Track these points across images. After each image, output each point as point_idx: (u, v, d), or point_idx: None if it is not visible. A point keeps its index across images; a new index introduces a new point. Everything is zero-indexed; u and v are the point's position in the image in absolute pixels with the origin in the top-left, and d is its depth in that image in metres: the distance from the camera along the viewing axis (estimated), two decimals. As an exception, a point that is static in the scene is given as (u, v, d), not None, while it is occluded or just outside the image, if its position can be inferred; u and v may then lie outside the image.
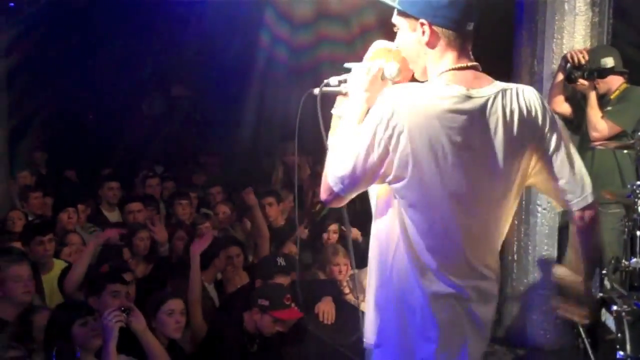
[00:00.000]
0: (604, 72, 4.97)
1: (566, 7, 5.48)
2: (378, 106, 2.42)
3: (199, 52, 9.59)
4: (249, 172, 8.69)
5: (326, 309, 4.84)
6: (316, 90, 2.69)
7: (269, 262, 5.18)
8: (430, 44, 2.49)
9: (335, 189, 2.47)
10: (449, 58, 2.49)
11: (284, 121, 7.61)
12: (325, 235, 6.19)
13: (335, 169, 2.47)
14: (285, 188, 7.75)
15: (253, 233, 6.39)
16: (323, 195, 2.54)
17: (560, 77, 5.17)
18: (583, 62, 5.00)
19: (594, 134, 4.91)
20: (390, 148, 2.38)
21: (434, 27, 2.46)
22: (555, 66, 5.49)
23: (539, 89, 5.53)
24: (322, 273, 5.57)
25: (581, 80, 4.97)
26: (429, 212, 2.44)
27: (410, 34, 2.51)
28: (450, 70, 2.48)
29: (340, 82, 2.70)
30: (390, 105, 2.38)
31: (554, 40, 5.57)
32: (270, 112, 8.74)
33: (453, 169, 2.39)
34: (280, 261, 5.07)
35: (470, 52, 2.53)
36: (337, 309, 4.90)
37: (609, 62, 4.97)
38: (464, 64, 2.49)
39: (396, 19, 2.56)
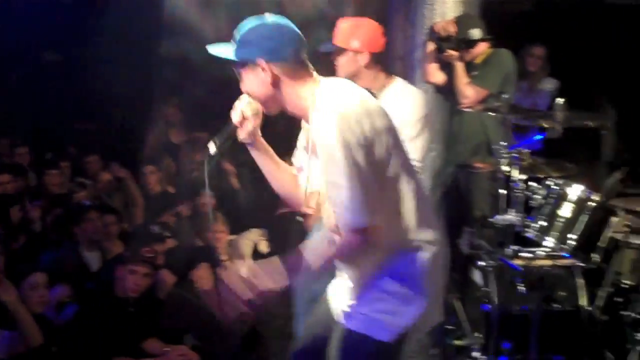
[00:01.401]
0: (472, 43, 5.10)
1: (438, -27, 5.58)
2: (336, 132, 2.44)
3: (74, 13, 9.21)
4: (129, 137, 8.45)
5: (203, 275, 4.83)
6: (211, 149, 2.72)
7: (143, 230, 5.13)
8: (274, 82, 2.62)
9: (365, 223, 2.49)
10: (306, 82, 2.65)
11: (164, 80, 7.41)
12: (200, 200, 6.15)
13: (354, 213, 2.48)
14: (165, 149, 7.60)
15: (128, 201, 6.30)
16: (364, 241, 2.53)
17: (431, 46, 5.26)
18: (452, 33, 5.11)
19: (463, 100, 5.06)
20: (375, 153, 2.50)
21: (273, 65, 2.60)
22: (427, 31, 5.60)
23: (412, 54, 5.68)
24: (199, 239, 5.55)
25: (449, 51, 5.09)
26: None
27: (253, 78, 2.63)
28: (315, 84, 2.65)
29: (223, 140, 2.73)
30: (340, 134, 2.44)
31: (427, 6, 5.66)
32: (149, 73, 8.42)
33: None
34: (155, 229, 5.03)
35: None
36: (214, 275, 4.89)
37: (476, 33, 5.10)
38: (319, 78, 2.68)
39: (238, 69, 2.67)
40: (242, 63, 2.64)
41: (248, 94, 2.70)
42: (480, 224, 4.61)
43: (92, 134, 9.43)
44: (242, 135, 2.74)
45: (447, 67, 5.24)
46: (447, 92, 5.38)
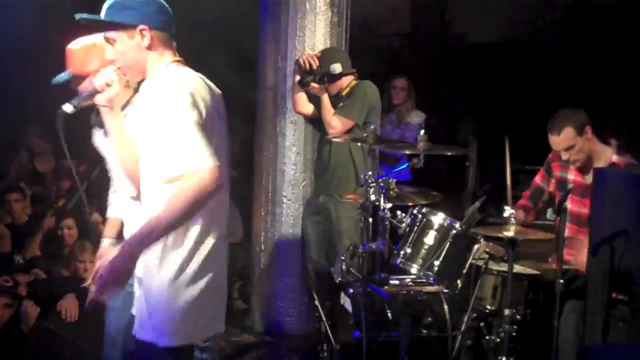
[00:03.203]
0: (333, 77, 5.25)
1: (307, 6, 5.69)
2: (178, 96, 2.70)
3: None
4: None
5: (69, 307, 4.69)
6: (67, 108, 2.90)
7: (6, 260, 4.94)
8: (150, 46, 2.85)
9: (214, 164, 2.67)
10: (168, 54, 2.91)
11: (22, 104, 7.09)
12: (59, 232, 5.97)
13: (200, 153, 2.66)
14: (31, 178, 7.32)
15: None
16: (215, 183, 2.67)
17: (297, 78, 5.38)
18: (315, 67, 5.24)
19: (330, 131, 5.20)
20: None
21: (152, 31, 2.84)
22: (298, 62, 5.71)
23: (283, 84, 5.76)
24: (66, 270, 5.39)
25: (313, 85, 5.23)
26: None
27: (129, 42, 2.83)
28: (173, 61, 2.90)
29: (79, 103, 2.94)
30: (187, 91, 2.73)
31: (297, 37, 5.76)
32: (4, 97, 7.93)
33: (220, 135, 2.87)
34: (18, 259, 4.86)
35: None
36: (81, 306, 4.76)
37: (337, 67, 5.23)
38: (179, 59, 2.94)
39: (111, 33, 2.86)
40: (118, 27, 2.81)
41: (116, 60, 2.89)
42: (350, 252, 4.68)
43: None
44: (102, 98, 2.93)
45: (315, 97, 5.36)
46: (316, 123, 5.50)
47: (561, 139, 4.50)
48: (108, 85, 2.91)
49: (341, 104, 5.23)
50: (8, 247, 5.79)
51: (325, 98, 5.22)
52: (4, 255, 5.22)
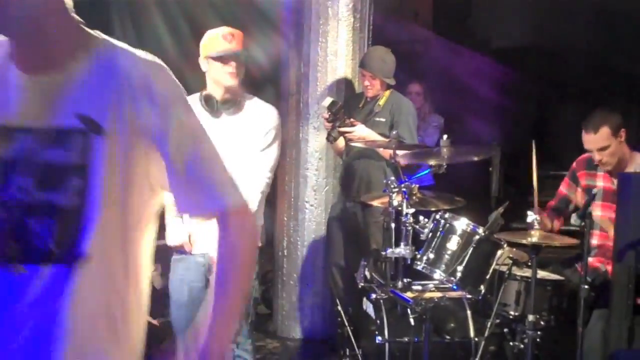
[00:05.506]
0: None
1: (329, 12, 5.70)
2: None
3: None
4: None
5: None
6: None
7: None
8: None
9: None
10: None
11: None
12: None
13: None
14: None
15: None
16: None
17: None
18: (331, 119, 5.04)
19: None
20: None
21: None
22: (320, 68, 5.71)
23: (306, 91, 5.76)
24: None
25: (340, 130, 5.05)
26: None
27: None
28: None
29: None
30: None
31: (319, 43, 5.77)
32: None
33: None
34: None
35: None
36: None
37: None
38: None
39: None
40: None
41: None
42: (373, 257, 4.67)
43: None
44: None
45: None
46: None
47: (597, 138, 4.43)
48: None
49: (382, 119, 5.21)
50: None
51: (371, 135, 5.08)
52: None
